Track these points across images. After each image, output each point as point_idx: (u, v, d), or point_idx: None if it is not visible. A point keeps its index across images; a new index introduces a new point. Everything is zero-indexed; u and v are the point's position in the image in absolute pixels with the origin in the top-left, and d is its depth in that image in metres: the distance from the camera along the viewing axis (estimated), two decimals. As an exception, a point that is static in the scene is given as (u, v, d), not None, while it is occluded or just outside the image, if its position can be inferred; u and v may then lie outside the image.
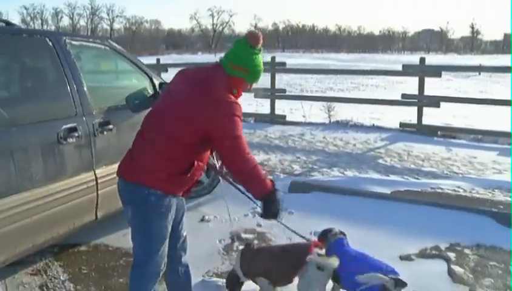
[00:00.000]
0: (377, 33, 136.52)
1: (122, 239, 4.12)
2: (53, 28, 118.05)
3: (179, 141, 2.41)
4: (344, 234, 3.25)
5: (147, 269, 2.56)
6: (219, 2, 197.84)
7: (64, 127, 3.35)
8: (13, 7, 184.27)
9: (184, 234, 2.84)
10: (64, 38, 3.61)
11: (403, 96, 9.34)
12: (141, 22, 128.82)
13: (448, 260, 3.80)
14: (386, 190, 5.38)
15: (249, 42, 2.50)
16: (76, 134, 3.43)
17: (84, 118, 3.53)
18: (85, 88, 3.59)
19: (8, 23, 3.63)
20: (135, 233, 2.57)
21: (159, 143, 2.43)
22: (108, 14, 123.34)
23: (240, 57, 2.49)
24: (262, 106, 12.07)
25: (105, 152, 3.70)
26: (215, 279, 3.53)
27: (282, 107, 11.53)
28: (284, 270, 2.97)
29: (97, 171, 3.63)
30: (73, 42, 3.70)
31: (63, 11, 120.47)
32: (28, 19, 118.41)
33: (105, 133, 3.70)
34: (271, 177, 3.70)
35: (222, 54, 2.70)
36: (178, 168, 2.46)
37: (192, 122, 2.39)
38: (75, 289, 3.41)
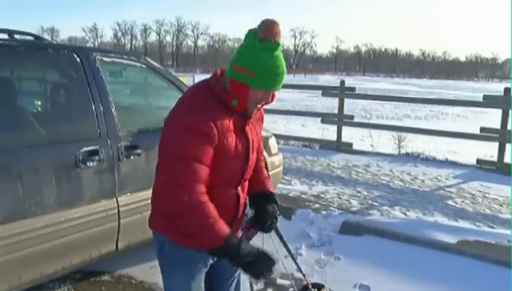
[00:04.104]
0: (463, 58, 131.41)
1: (149, 271, 3.84)
2: (141, 43, 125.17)
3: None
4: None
5: None
6: (301, 22, 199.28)
7: (84, 149, 3.11)
8: (108, 23, 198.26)
9: None
10: (94, 54, 3.39)
11: (482, 129, 8.45)
12: (224, 40, 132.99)
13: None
14: (452, 239, 4.64)
15: (258, 34, 1.77)
16: (97, 158, 3.18)
17: (108, 141, 3.28)
18: (112, 108, 3.35)
19: (37, 37, 3.48)
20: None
21: (156, 175, 1.92)
22: (193, 31, 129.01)
23: (243, 54, 1.80)
24: (333, 131, 11.10)
25: (130, 178, 3.41)
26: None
27: (351, 133, 10.85)
28: None
29: (119, 199, 3.35)
30: (104, 59, 3.47)
31: (151, 28, 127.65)
32: (120, 34, 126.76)
33: (131, 157, 3.42)
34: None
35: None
36: (168, 207, 1.87)
37: None
38: (84, 327, 3.13)
